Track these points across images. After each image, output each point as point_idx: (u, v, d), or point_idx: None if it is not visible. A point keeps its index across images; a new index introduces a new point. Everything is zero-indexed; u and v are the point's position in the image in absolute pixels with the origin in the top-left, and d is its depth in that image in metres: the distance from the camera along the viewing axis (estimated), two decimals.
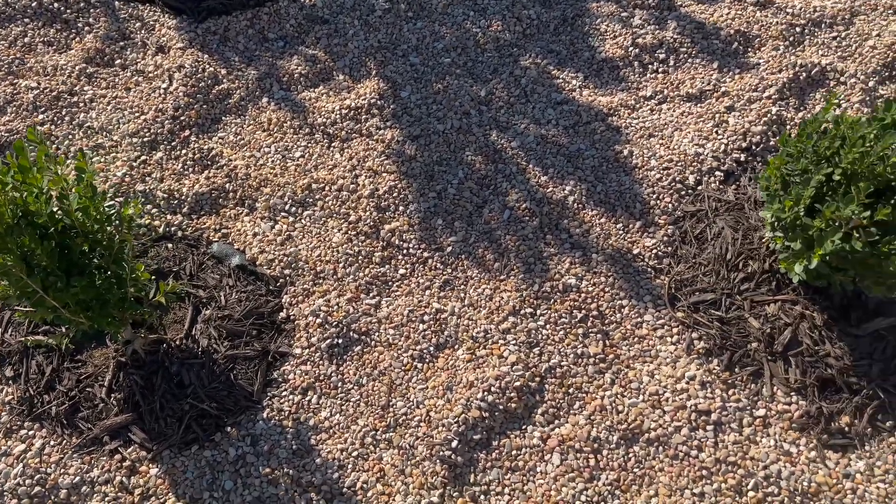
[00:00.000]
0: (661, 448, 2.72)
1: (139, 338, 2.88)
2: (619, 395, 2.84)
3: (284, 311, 3.07)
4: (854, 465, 2.68)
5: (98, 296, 2.50)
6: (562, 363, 2.92)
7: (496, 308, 3.07)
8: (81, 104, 3.74)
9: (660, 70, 3.89)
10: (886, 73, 3.81)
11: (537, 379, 2.87)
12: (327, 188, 3.42)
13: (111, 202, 2.51)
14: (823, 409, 2.76)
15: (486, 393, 2.80)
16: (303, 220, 3.34)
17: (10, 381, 2.88)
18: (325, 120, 3.67)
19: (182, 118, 3.66)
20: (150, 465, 2.70)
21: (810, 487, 2.62)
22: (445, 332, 3.02)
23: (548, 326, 3.02)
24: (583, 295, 3.10)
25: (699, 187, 3.40)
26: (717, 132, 3.57)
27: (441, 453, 2.68)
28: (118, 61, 3.93)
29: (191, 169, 3.51)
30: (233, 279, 3.12)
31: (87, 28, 4.06)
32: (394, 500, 2.63)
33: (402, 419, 2.80)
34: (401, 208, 3.37)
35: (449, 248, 3.26)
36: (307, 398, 2.85)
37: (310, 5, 4.12)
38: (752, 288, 3.00)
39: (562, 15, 4.13)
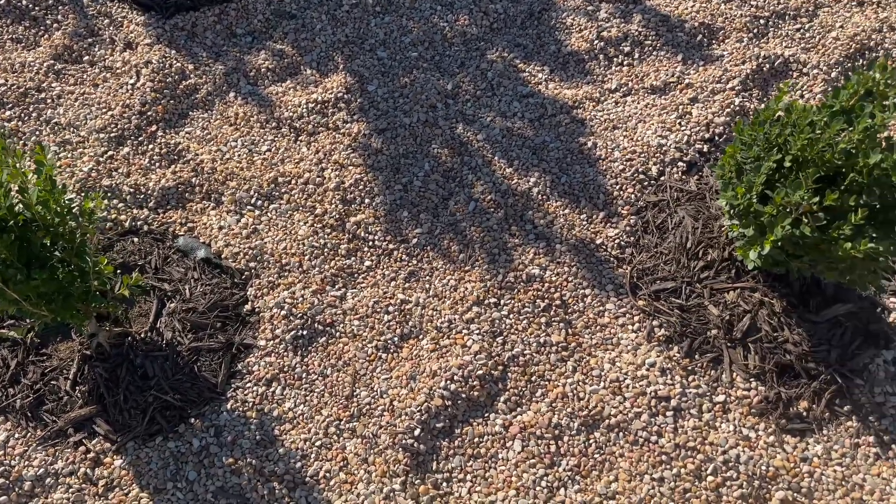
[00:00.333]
0: (621, 434, 2.75)
1: (104, 331, 2.89)
2: (580, 383, 2.87)
3: (249, 303, 3.08)
4: (812, 448, 2.72)
5: (60, 289, 2.51)
6: (525, 352, 2.94)
7: (460, 298, 3.09)
8: (49, 100, 3.74)
9: (625, 63, 3.92)
10: (849, 64, 3.85)
11: (500, 367, 2.90)
12: (293, 181, 3.44)
13: (72, 195, 2.52)
14: (782, 394, 2.80)
15: (448, 382, 2.82)
16: (269, 214, 3.36)
17: None
18: (291, 114, 3.69)
19: (149, 113, 3.67)
20: (115, 457, 2.71)
21: (768, 471, 2.66)
22: (410, 323, 3.04)
23: (511, 316, 3.04)
24: (546, 285, 3.13)
25: (662, 178, 3.43)
26: (680, 124, 3.61)
27: (404, 442, 2.71)
28: (86, 58, 3.93)
29: (157, 164, 3.52)
30: (198, 272, 3.13)
31: (55, 25, 4.06)
32: (356, 488, 2.65)
33: (366, 409, 2.82)
34: (367, 201, 3.39)
35: (414, 240, 3.28)
36: (271, 389, 2.87)
37: (277, 1, 4.13)
38: (711, 276, 3.04)
39: (528, 9, 4.15)
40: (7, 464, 2.68)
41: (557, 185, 3.44)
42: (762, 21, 4.05)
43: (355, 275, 3.19)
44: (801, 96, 3.76)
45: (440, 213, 3.37)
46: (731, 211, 2.72)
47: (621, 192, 3.40)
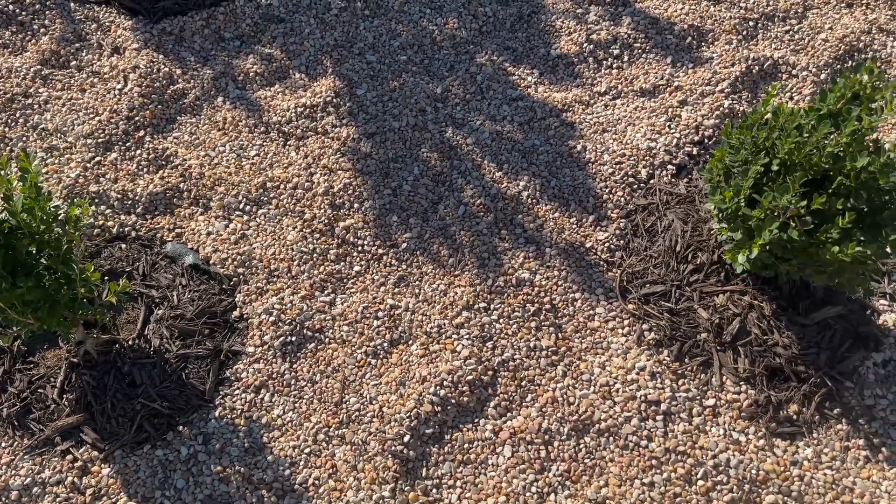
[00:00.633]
0: (611, 438, 2.75)
1: (91, 338, 2.87)
2: (570, 387, 2.86)
3: (238, 309, 3.07)
4: (802, 452, 2.71)
5: (46, 296, 2.49)
6: (514, 356, 2.94)
7: (450, 303, 3.09)
8: (36, 106, 3.72)
9: (614, 66, 3.92)
10: (838, 66, 3.85)
11: (490, 372, 2.89)
12: (282, 186, 3.43)
13: (58, 202, 2.50)
14: (772, 397, 2.80)
15: (438, 387, 2.81)
16: (257, 219, 3.34)
17: None
18: (280, 118, 3.67)
19: (137, 119, 3.65)
20: (102, 465, 2.69)
21: (759, 475, 2.65)
22: (399, 328, 3.03)
23: (501, 320, 3.04)
24: (536, 289, 3.12)
25: (651, 181, 3.43)
26: (669, 126, 3.60)
27: (393, 448, 2.70)
28: (73, 63, 3.91)
29: (145, 169, 3.50)
30: (186, 278, 3.12)
31: (42, 30, 4.04)
32: (345, 495, 2.64)
33: (356, 415, 2.81)
34: (356, 205, 3.38)
35: (404, 245, 3.27)
36: (260, 396, 2.85)
37: (266, 4, 4.12)
38: (701, 279, 3.03)
39: (518, 12, 4.15)
40: None
41: (547, 189, 3.43)
42: (751, 23, 4.05)
43: (344, 280, 3.18)
44: (791, 98, 3.76)
45: (430, 218, 3.36)
46: (720, 214, 2.72)
47: (611, 196, 3.40)
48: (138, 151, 3.55)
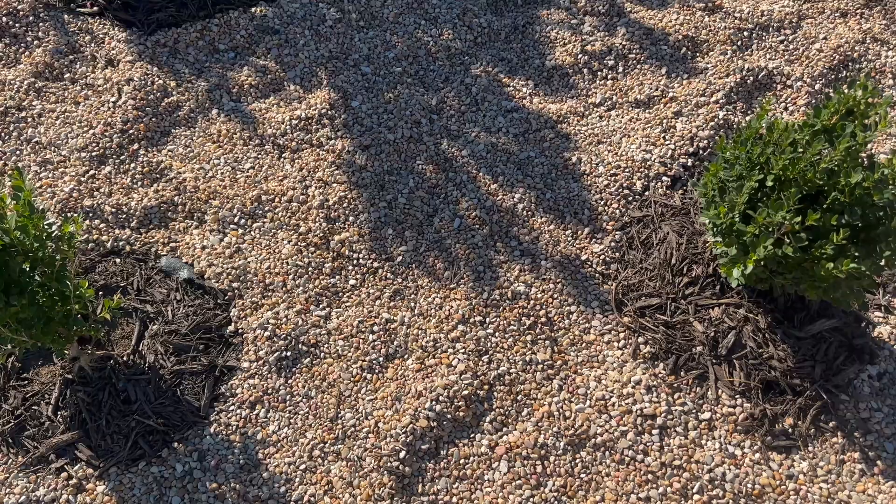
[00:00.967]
0: (607, 453, 2.74)
1: (86, 354, 2.86)
2: (566, 401, 2.86)
3: (233, 324, 3.06)
4: (797, 465, 2.72)
5: (41, 314, 2.49)
6: (510, 370, 2.93)
7: (446, 317, 3.08)
8: (30, 119, 3.71)
9: (609, 77, 3.92)
10: (832, 76, 3.86)
11: (486, 387, 2.89)
12: (277, 200, 3.42)
13: (50, 220, 2.49)
14: (767, 410, 2.80)
15: (434, 402, 2.81)
16: (252, 233, 3.34)
17: None
18: (275, 131, 3.67)
19: (131, 132, 3.64)
20: (97, 483, 2.68)
21: (754, 489, 2.65)
22: (395, 343, 3.03)
23: (497, 334, 3.03)
24: (532, 302, 3.12)
25: (646, 193, 3.43)
26: (664, 138, 3.60)
27: (389, 464, 2.69)
28: (67, 75, 3.91)
29: (139, 183, 3.49)
30: (180, 293, 3.11)
31: (36, 42, 4.03)
32: None
33: (351, 431, 2.80)
34: (351, 218, 3.38)
35: (399, 258, 3.27)
36: (255, 412, 2.85)
37: (260, 16, 4.12)
38: (696, 292, 3.03)
39: (513, 23, 4.15)
40: None
41: (542, 201, 3.43)
42: (746, 33, 4.06)
43: (340, 294, 3.17)
44: (786, 109, 3.77)
45: (425, 231, 3.36)
46: (714, 229, 2.72)
47: (606, 208, 3.40)
48: (133, 165, 3.55)
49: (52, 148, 3.60)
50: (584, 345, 3.02)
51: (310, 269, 3.22)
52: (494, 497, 2.65)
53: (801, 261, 2.45)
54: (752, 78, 3.84)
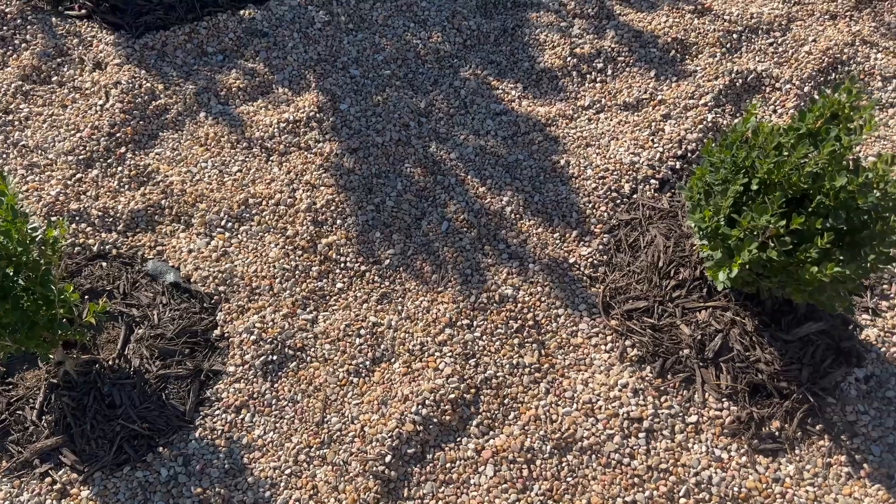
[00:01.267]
0: (593, 456, 2.74)
1: (71, 359, 2.85)
2: (553, 405, 2.85)
3: (219, 328, 3.05)
4: (784, 469, 2.71)
5: (25, 318, 2.47)
6: (497, 374, 2.93)
7: (433, 320, 3.07)
8: (17, 122, 3.69)
9: (598, 79, 3.92)
10: (822, 78, 3.86)
11: (472, 390, 2.88)
12: (264, 203, 3.41)
13: (34, 224, 2.48)
14: (754, 414, 2.80)
15: (420, 406, 2.80)
16: (239, 236, 3.32)
17: None
18: (263, 134, 3.66)
19: (118, 135, 3.63)
20: (82, 488, 2.67)
21: (741, 493, 2.65)
22: (382, 346, 3.02)
23: (484, 337, 3.03)
24: (519, 305, 3.11)
25: (634, 196, 3.43)
26: (652, 140, 3.60)
27: (374, 468, 2.68)
28: (55, 78, 3.89)
29: (126, 186, 3.48)
30: (167, 297, 3.10)
31: (23, 45, 4.01)
32: None
33: (337, 435, 2.79)
34: (338, 222, 3.37)
35: (387, 261, 3.26)
36: (240, 416, 2.84)
37: (249, 19, 4.11)
38: (683, 295, 3.03)
39: (502, 25, 4.14)
40: None
41: (530, 204, 3.42)
42: (735, 36, 4.06)
43: (327, 297, 3.17)
44: (774, 111, 3.77)
45: (413, 234, 3.35)
46: (700, 232, 2.72)
47: (594, 211, 3.39)
48: (120, 168, 3.53)
49: (39, 151, 3.58)
50: (571, 348, 3.01)
51: (297, 272, 3.21)
52: (481, 501, 2.64)
53: (786, 264, 2.45)
54: (741, 80, 3.84)
